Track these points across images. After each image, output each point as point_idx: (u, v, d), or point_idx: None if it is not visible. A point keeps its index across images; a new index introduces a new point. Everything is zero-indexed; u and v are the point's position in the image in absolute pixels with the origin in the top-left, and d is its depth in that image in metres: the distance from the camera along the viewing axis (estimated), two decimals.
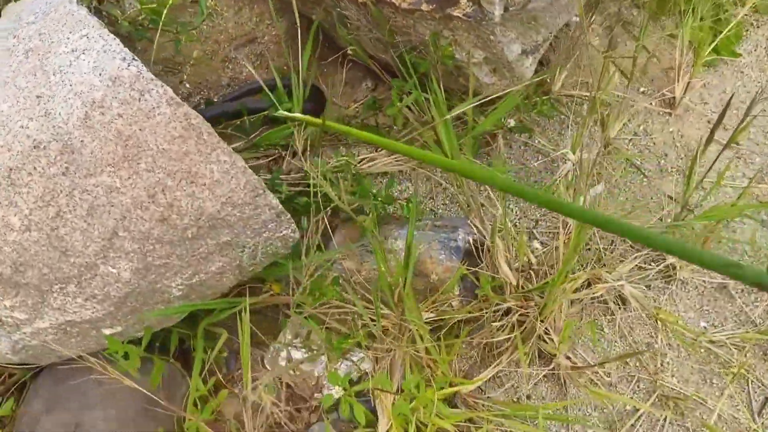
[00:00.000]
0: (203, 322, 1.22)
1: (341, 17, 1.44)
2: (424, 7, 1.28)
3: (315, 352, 1.24)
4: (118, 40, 1.03)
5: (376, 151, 1.54)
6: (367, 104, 1.54)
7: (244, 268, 1.15)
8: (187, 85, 1.68)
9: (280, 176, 1.44)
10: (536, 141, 1.58)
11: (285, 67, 1.71)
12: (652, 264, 1.45)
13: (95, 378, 1.17)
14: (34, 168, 0.98)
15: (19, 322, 1.04)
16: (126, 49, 1.03)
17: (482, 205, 1.46)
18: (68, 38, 1.03)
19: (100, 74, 1.01)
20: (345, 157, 1.46)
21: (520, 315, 1.31)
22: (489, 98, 1.43)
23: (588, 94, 1.58)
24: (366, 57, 1.51)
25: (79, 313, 1.05)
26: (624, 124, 1.60)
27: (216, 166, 1.03)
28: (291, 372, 1.29)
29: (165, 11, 1.51)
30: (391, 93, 1.51)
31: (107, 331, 1.10)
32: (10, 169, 0.98)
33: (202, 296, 1.14)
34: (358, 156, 1.53)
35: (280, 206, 1.09)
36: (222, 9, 1.86)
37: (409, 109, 1.48)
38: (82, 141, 0.99)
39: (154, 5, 1.52)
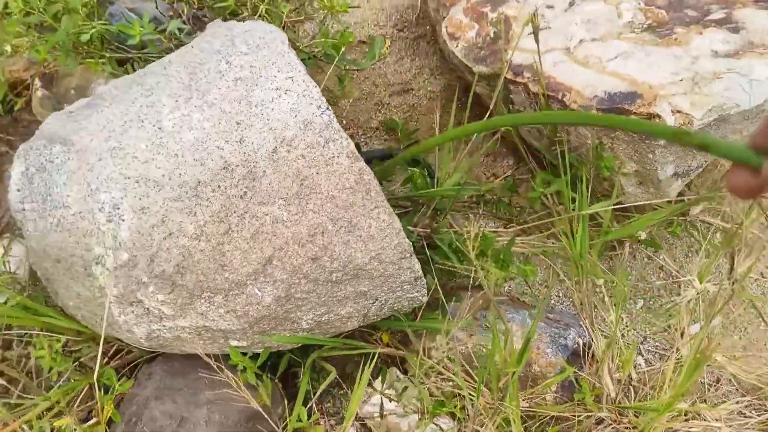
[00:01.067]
0: (314, 353, 1.28)
1: (507, 97, 1.50)
2: (594, 113, 1.32)
3: (409, 409, 1.28)
4: (317, 88, 1.12)
5: (504, 227, 1.58)
6: (507, 185, 1.59)
7: (369, 317, 1.21)
8: (343, 122, 1.78)
9: (409, 227, 1.50)
10: (661, 258, 1.59)
11: (432, 126, 1.78)
12: (753, 412, 1.43)
13: (207, 379, 1.26)
14: (219, 186, 1.08)
15: (163, 316, 1.14)
16: (323, 98, 1.12)
17: (595, 306, 1.48)
18: (275, 76, 1.13)
19: (295, 116, 1.10)
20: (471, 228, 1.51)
21: (612, 428, 1.32)
22: (628, 205, 1.46)
23: (726, 225, 1.58)
24: (518, 137, 1.56)
25: (217, 322, 1.13)
26: (754, 263, 1.58)
27: (375, 222, 1.10)
28: (379, 419, 1.34)
29: (343, 49, 1.61)
30: (529, 175, 1.56)
31: (233, 343, 1.18)
32: (199, 183, 1.07)
33: (323, 332, 1.21)
34: (486, 228, 1.57)
35: (420, 272, 1.15)
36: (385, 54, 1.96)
37: (546, 196, 1.51)
38: (264, 171, 1.08)
39: (336, 41, 1.63)
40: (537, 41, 1.37)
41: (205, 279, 1.09)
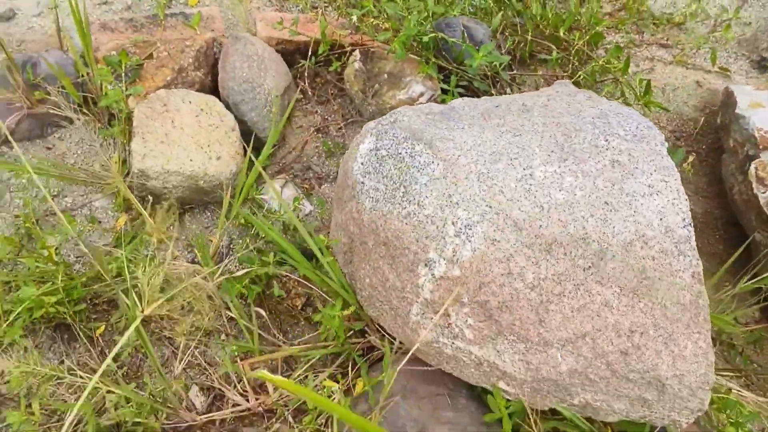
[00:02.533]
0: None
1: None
2: None
3: None
4: (687, 201, 1.17)
5: None
6: None
7: (629, 417, 1.24)
8: None
9: None
10: None
11: None
12: None
13: (448, 398, 1.33)
14: (570, 252, 1.14)
15: (461, 336, 1.21)
16: (689, 212, 1.16)
17: None
18: (651, 174, 1.18)
19: (660, 219, 1.15)
20: None
21: None
22: None
23: None
24: None
25: (506, 364, 1.20)
26: None
27: (692, 346, 1.14)
28: None
29: None
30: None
31: (502, 386, 1.24)
32: (554, 241, 1.14)
33: (582, 413, 1.25)
34: None
35: (706, 408, 1.17)
36: None
37: None
38: (613, 256, 1.14)
39: None
40: None
41: (519, 325, 1.16)
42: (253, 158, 1.62)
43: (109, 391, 1.26)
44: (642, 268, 1.14)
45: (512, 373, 1.21)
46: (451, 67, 1.89)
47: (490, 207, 1.18)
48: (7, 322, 1.30)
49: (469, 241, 1.18)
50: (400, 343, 1.36)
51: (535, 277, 1.15)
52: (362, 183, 1.35)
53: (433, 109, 1.45)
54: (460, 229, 1.19)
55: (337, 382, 1.36)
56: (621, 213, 1.16)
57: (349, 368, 1.41)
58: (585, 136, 1.26)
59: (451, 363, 1.28)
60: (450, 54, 1.88)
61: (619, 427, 1.35)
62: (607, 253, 1.14)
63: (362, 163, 1.37)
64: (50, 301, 1.31)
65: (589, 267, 1.14)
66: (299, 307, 1.57)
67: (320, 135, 1.96)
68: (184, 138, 1.59)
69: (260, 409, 1.39)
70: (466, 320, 1.20)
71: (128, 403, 1.27)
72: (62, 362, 1.41)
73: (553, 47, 2.03)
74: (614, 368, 1.16)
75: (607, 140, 1.25)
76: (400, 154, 1.32)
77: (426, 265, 1.21)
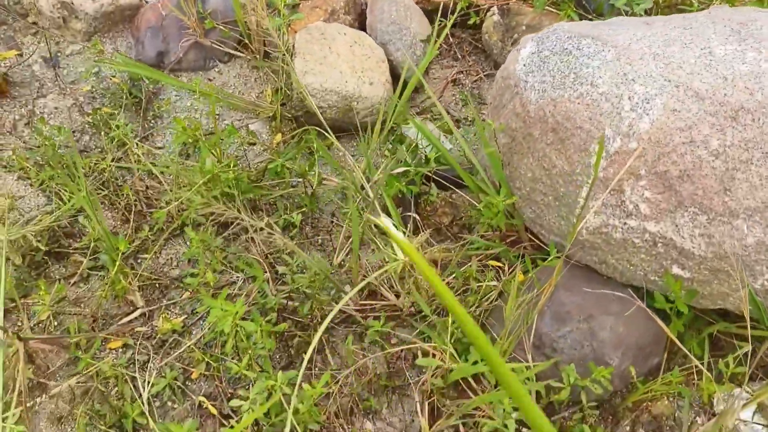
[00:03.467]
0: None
1: None
2: None
3: None
4: None
5: None
6: None
7: None
8: None
9: None
10: None
11: None
12: None
13: (615, 297, 1.29)
14: (759, 118, 1.11)
15: (634, 213, 1.19)
16: None
17: None
18: None
19: None
20: None
21: None
22: None
23: None
24: None
25: (684, 241, 1.16)
26: None
27: None
28: None
29: None
30: None
31: (675, 270, 1.20)
32: (741, 108, 1.12)
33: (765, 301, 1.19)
34: None
35: None
36: None
37: None
38: None
39: None
40: None
41: (702, 195, 1.13)
42: (396, 93, 1.68)
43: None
44: None
45: (690, 251, 1.17)
46: (591, 17, 1.92)
47: (669, 81, 1.17)
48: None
49: (647, 114, 1.17)
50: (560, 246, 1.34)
51: (720, 144, 1.12)
52: (525, 81, 1.37)
53: (586, 24, 1.47)
54: (637, 103, 1.18)
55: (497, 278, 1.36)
56: None
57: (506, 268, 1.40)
58: (761, 24, 1.25)
59: (617, 255, 1.25)
60: (590, 4, 1.91)
61: None
62: None
63: (524, 65, 1.40)
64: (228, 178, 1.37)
65: None
66: (446, 224, 1.58)
67: (456, 86, 2.00)
68: (339, 62, 1.67)
69: (411, 309, 1.40)
70: (643, 193, 1.17)
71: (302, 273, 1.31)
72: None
73: None
74: None
75: None
76: (566, 49, 1.33)
77: (600, 142, 1.21)
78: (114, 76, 1.78)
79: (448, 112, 1.92)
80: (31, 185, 1.52)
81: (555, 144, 1.28)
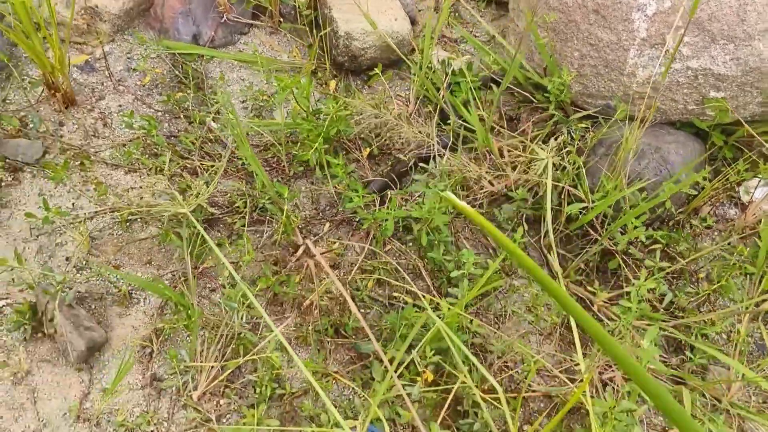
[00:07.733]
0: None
1: None
2: None
3: None
4: None
5: None
6: None
7: None
8: None
9: None
10: None
11: None
12: None
13: (665, 128, 1.64)
14: None
15: (678, 58, 1.54)
16: None
17: None
18: None
19: None
20: None
21: None
22: None
23: None
24: None
25: (719, 67, 1.53)
26: None
27: None
28: None
29: None
30: None
31: (712, 94, 1.57)
32: None
33: None
34: None
35: None
36: None
37: None
38: None
39: None
40: None
41: (727, 28, 1.50)
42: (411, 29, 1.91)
43: None
44: None
45: (724, 74, 1.54)
46: None
47: None
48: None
49: None
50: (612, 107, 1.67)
51: None
52: None
53: None
54: None
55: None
56: None
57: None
58: None
59: (661, 97, 1.60)
60: None
61: None
62: None
63: None
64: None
65: None
66: (496, 120, 1.87)
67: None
68: (367, 7, 1.87)
69: (504, 190, 1.67)
70: (683, 39, 1.52)
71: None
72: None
73: None
74: None
75: None
76: None
77: (638, 9, 1.54)
78: (156, 68, 1.86)
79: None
80: (148, 174, 1.61)
81: (598, 22, 1.60)
